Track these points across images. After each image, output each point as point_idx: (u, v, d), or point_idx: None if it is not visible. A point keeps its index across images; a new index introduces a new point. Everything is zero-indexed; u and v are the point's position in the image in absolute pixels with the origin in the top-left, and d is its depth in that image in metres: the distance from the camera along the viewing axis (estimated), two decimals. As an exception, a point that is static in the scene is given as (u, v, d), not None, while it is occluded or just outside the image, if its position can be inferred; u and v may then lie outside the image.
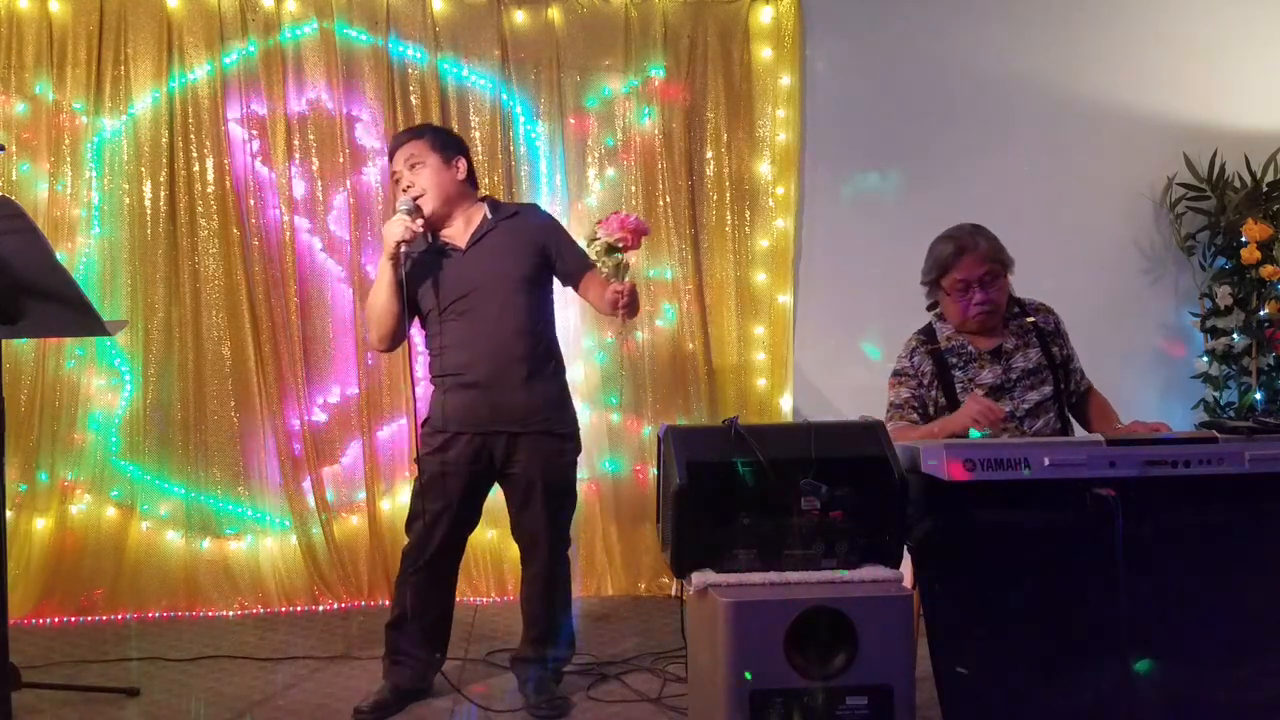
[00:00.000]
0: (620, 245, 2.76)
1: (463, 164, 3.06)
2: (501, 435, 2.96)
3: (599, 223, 2.81)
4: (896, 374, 2.91)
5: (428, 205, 2.98)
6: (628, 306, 2.84)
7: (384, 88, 4.13)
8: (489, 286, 2.96)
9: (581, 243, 3.01)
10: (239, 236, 4.08)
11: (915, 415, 2.84)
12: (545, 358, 3.01)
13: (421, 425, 3.09)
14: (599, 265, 2.81)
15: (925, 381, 2.86)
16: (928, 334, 2.93)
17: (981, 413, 2.61)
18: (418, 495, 3.03)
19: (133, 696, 3.11)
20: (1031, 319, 2.92)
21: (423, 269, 2.98)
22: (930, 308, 2.98)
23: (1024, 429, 2.81)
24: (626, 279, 2.81)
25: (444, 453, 2.97)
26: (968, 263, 2.81)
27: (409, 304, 2.99)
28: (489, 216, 3.04)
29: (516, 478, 3.00)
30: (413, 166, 2.99)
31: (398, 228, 2.89)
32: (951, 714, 2.38)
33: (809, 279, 4.36)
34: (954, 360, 2.85)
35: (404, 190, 3.00)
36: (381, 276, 2.97)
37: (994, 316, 2.85)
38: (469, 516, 3.07)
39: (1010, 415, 2.79)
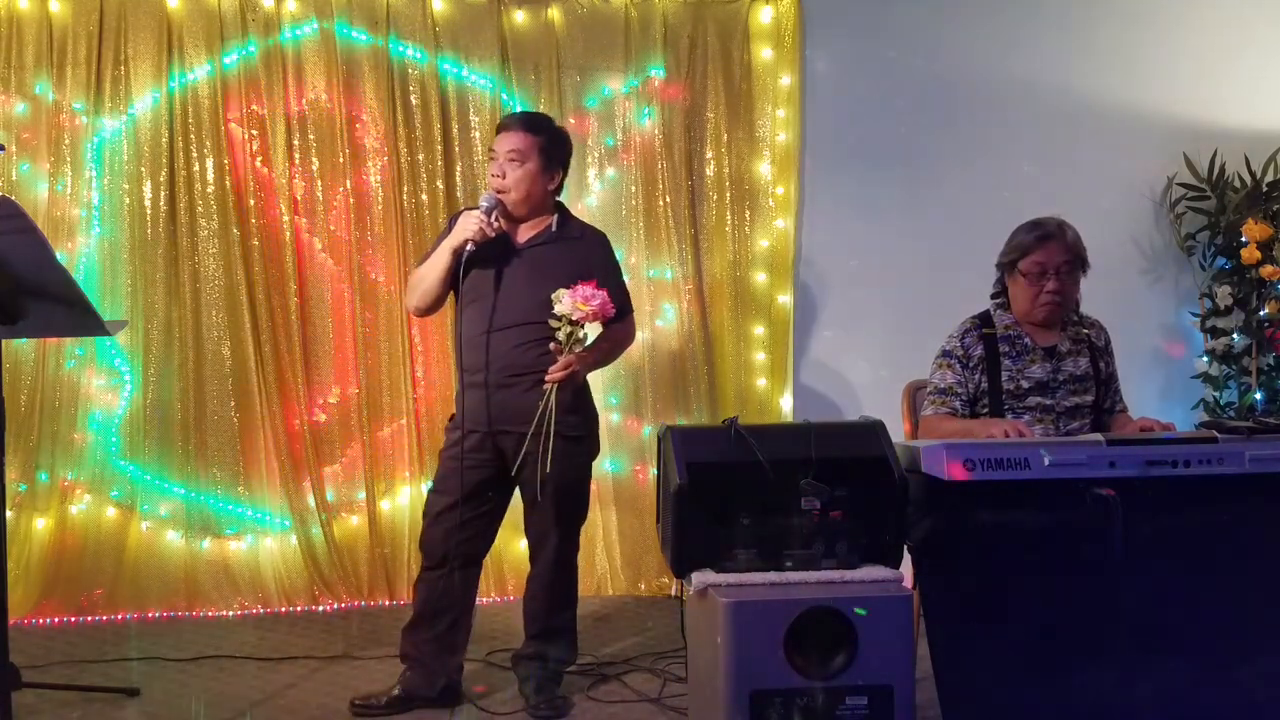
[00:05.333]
0: (577, 320, 2.80)
1: (559, 177, 3.04)
2: (511, 435, 2.95)
3: (572, 291, 2.81)
4: (944, 354, 2.91)
5: (508, 202, 2.96)
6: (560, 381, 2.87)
7: (384, 88, 4.13)
8: (522, 295, 2.94)
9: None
10: (239, 236, 4.08)
11: (957, 404, 2.84)
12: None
13: (449, 420, 3.10)
14: (554, 326, 2.83)
15: (972, 365, 2.85)
16: (984, 319, 2.93)
17: (1014, 433, 2.59)
18: (440, 502, 3.03)
19: (133, 696, 3.11)
20: (1087, 330, 2.94)
21: (484, 253, 2.95)
22: (995, 295, 2.98)
23: (1060, 426, 2.82)
24: (573, 351, 2.85)
25: (456, 449, 2.96)
26: (1051, 248, 2.81)
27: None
28: (553, 229, 3.03)
29: (527, 478, 2.98)
30: (511, 160, 2.94)
31: (472, 225, 2.88)
32: (951, 714, 2.38)
33: (809, 279, 4.36)
34: (1006, 349, 2.86)
35: (492, 175, 2.97)
36: (439, 259, 2.96)
37: (1060, 310, 2.86)
38: (483, 519, 3.03)
39: (1050, 409, 2.82)
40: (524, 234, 3.02)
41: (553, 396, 2.86)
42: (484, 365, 2.95)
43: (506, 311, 2.95)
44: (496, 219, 2.93)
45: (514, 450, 2.96)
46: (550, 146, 3.00)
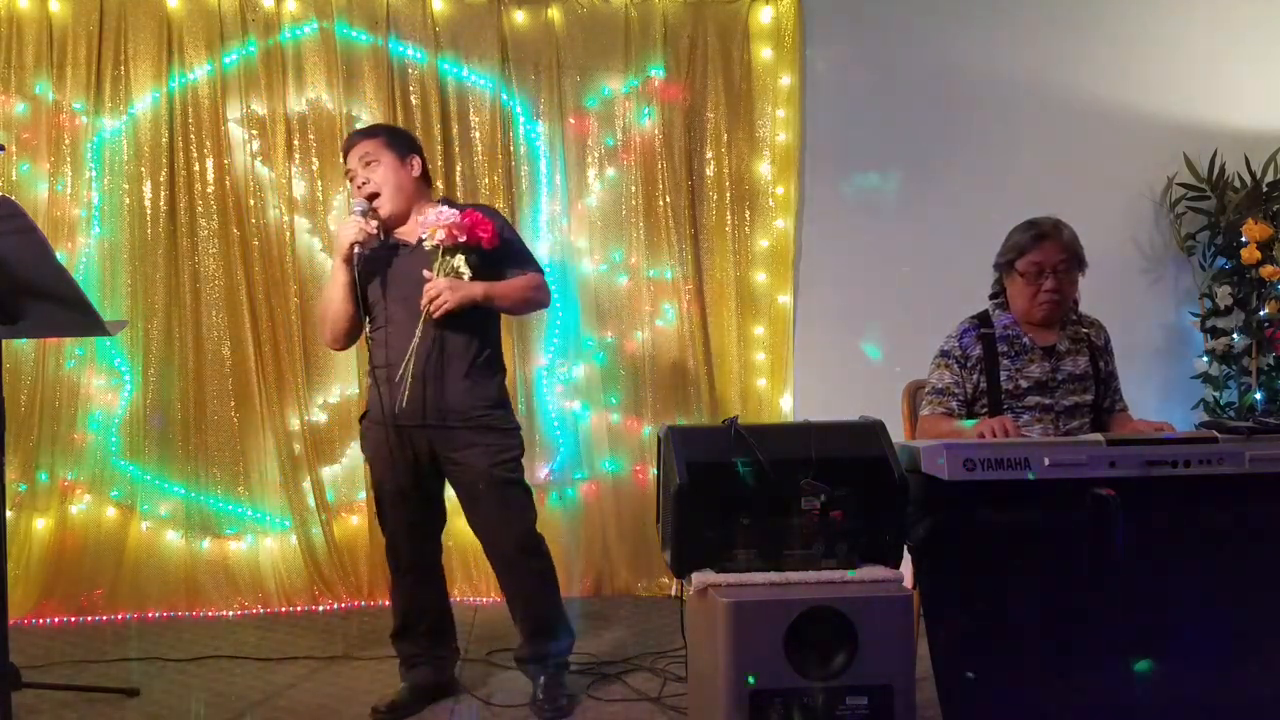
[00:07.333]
0: (445, 242, 2.80)
1: (417, 162, 3.04)
2: (442, 429, 2.90)
3: (445, 222, 2.82)
4: (943, 354, 2.90)
5: (385, 205, 2.95)
6: (436, 305, 2.81)
7: (384, 88, 4.13)
8: None
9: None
10: (239, 236, 4.08)
11: (954, 404, 2.84)
12: (485, 357, 2.97)
13: (360, 419, 3.06)
14: (435, 257, 2.83)
15: (970, 365, 2.85)
16: (982, 319, 2.93)
17: (999, 431, 2.59)
18: (377, 498, 3.03)
19: (133, 696, 3.11)
20: (1086, 330, 2.93)
21: (373, 263, 2.95)
22: (993, 295, 2.97)
23: (1059, 425, 2.82)
24: (445, 276, 2.82)
25: (387, 447, 2.92)
26: (1047, 248, 2.80)
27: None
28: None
29: (461, 473, 2.94)
30: (367, 164, 2.97)
31: (351, 229, 2.87)
32: (951, 714, 2.38)
33: (809, 279, 4.36)
34: (1005, 349, 2.85)
35: (359, 188, 2.98)
36: (335, 278, 2.94)
37: (1058, 309, 2.85)
38: (428, 511, 3.03)
39: (1049, 409, 2.82)
40: (416, 233, 2.98)
41: (424, 327, 2.82)
42: (409, 359, 2.87)
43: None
44: (376, 225, 2.91)
45: (445, 443, 2.92)
46: (393, 138, 3.04)
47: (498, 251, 2.93)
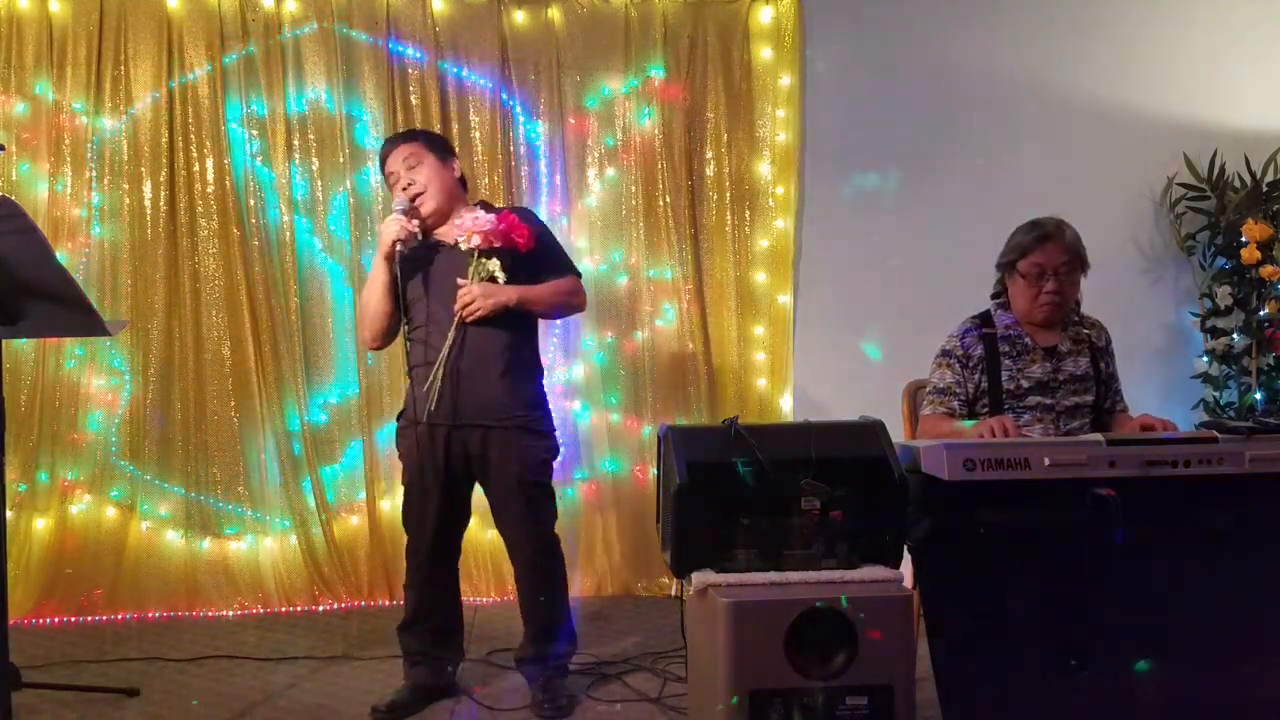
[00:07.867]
0: (481, 246, 2.85)
1: (457, 165, 3.11)
2: (477, 429, 2.92)
3: (474, 221, 2.88)
4: (944, 354, 2.90)
5: (428, 203, 2.99)
6: (469, 310, 2.86)
7: (384, 88, 4.13)
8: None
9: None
10: (239, 236, 4.08)
11: (955, 403, 2.84)
12: (524, 357, 3.00)
13: (397, 418, 3.08)
14: (470, 261, 2.89)
15: (971, 365, 2.85)
16: (984, 319, 2.93)
17: (999, 431, 2.59)
18: (406, 495, 3.04)
19: (133, 696, 3.11)
20: (1087, 331, 2.93)
21: (414, 262, 2.98)
22: (995, 295, 2.98)
23: (1060, 426, 2.82)
24: (479, 280, 2.87)
25: (420, 446, 2.94)
26: (1049, 249, 2.80)
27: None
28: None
29: (493, 472, 2.96)
30: (411, 167, 3.01)
31: (394, 227, 2.90)
32: (951, 714, 2.38)
33: (809, 279, 4.36)
34: (1006, 349, 2.85)
35: (403, 190, 3.01)
36: (375, 276, 2.98)
37: (1059, 310, 2.85)
38: (455, 513, 3.04)
39: (1050, 409, 2.82)
40: (456, 234, 2.99)
41: (456, 330, 2.87)
42: (441, 361, 2.89)
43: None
44: (418, 224, 2.95)
45: (479, 444, 2.94)
46: (431, 141, 3.10)
47: (534, 254, 2.96)
